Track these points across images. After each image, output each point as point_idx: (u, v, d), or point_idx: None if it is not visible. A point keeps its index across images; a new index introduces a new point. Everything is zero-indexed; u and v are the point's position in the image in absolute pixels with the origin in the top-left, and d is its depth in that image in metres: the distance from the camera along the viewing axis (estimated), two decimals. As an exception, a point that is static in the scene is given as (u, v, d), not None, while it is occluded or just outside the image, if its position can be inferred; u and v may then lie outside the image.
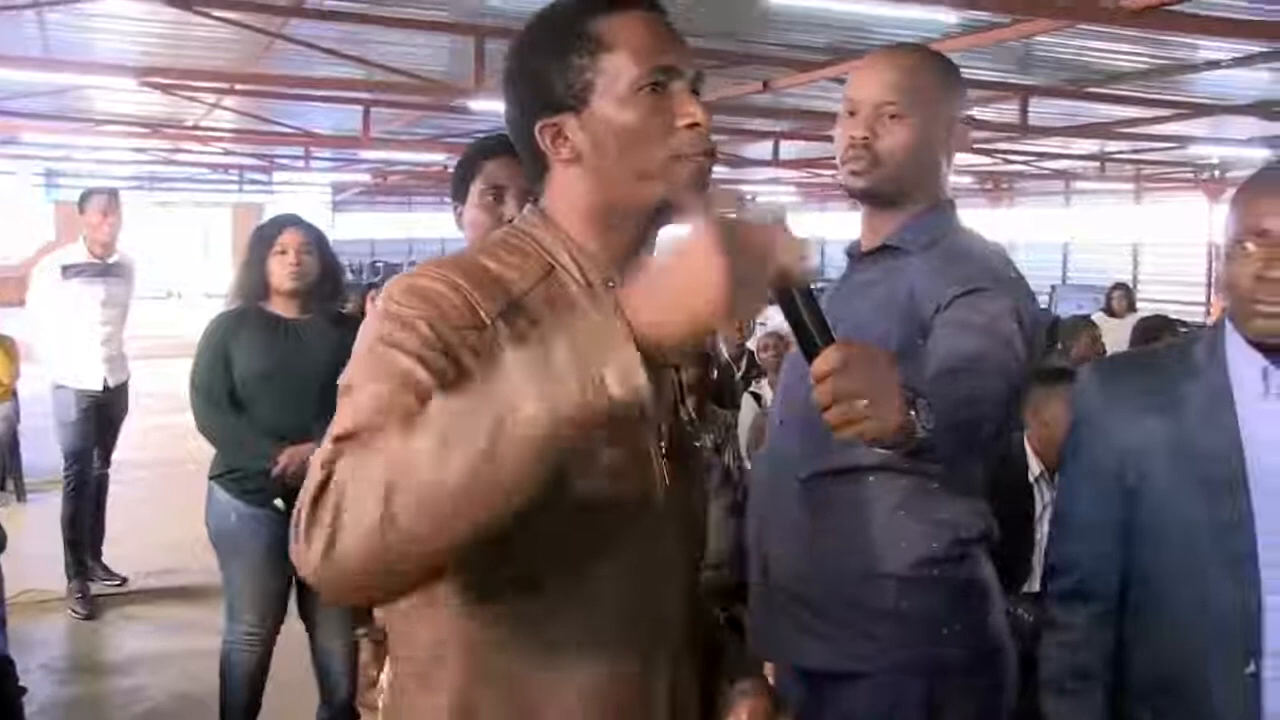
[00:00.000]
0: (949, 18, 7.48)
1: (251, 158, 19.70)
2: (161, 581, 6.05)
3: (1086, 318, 8.54)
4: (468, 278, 1.27)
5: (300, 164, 19.09)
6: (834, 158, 1.99)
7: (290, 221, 3.64)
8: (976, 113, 12.90)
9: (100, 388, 5.71)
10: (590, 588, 1.30)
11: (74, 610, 5.55)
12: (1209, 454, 1.75)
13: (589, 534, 1.28)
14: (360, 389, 1.18)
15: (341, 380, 1.23)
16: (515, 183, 2.36)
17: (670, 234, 1.27)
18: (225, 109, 14.25)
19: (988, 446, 1.75)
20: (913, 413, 1.40)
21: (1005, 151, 15.56)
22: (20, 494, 7.74)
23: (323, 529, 1.05)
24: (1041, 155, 16.28)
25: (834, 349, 1.28)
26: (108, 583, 5.88)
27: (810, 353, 1.29)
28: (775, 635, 2.00)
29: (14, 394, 7.69)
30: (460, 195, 2.46)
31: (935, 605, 1.92)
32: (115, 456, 6.16)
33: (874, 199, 2.01)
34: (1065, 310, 12.86)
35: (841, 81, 10.10)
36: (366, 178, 22.53)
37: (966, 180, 20.91)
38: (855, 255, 2.08)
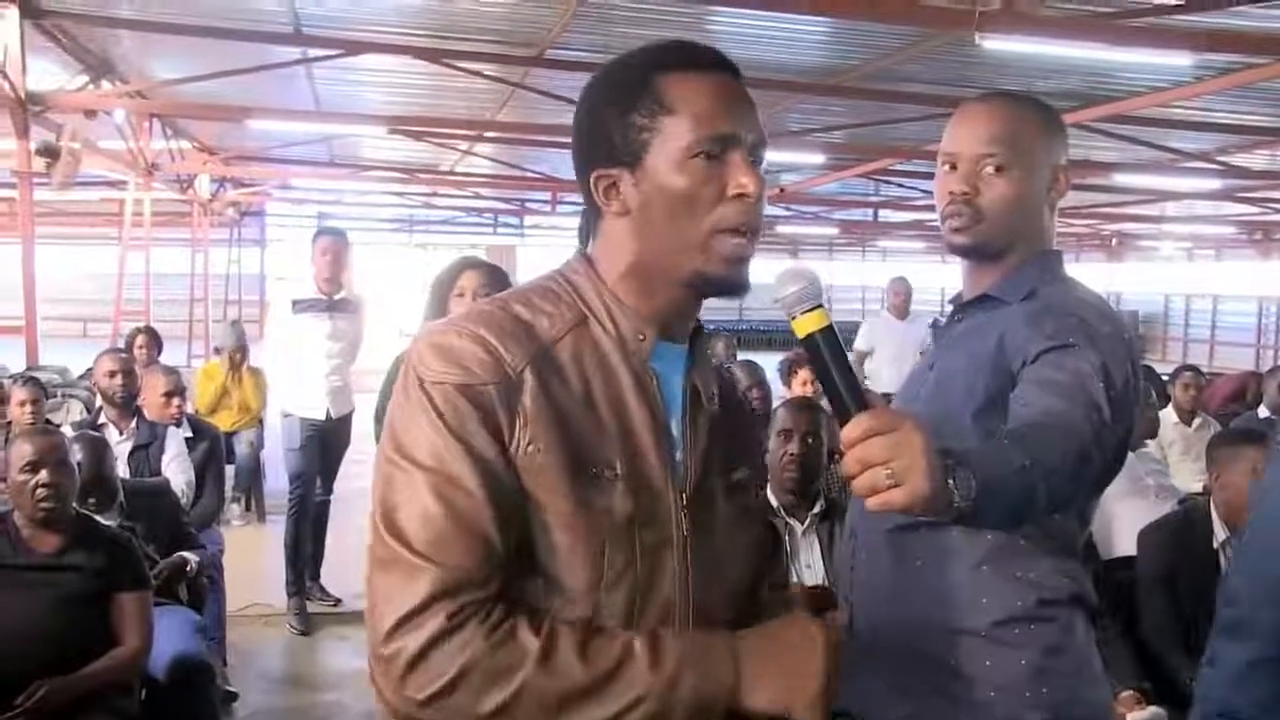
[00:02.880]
0: (1188, 61, 7.08)
1: (503, 202, 20.59)
2: (372, 605, 6.33)
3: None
4: (495, 329, 1.30)
5: (547, 208, 19.77)
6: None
7: (470, 264, 3.66)
8: (1239, 160, 12.20)
9: (323, 418, 6.02)
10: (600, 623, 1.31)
11: (291, 625, 5.89)
12: None
13: (597, 575, 1.30)
14: (416, 487, 1.25)
15: (385, 445, 1.29)
16: None
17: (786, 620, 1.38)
18: (477, 155, 14.95)
19: (1044, 515, 1.65)
20: (950, 481, 1.33)
21: (1274, 201, 14.58)
22: (261, 515, 8.28)
23: (434, 680, 1.20)
24: (1318, 205, 15.20)
25: (862, 416, 1.25)
26: (324, 602, 6.19)
27: (842, 419, 1.28)
28: (861, 688, 1.95)
29: (260, 422, 8.25)
30: (585, 239, 2.51)
31: (1019, 667, 1.83)
32: (343, 485, 6.50)
33: (977, 254, 1.95)
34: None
35: (1084, 128, 9.81)
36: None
37: (1231, 230, 19.73)
38: (957, 305, 2.02)
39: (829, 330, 1.30)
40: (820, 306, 1.31)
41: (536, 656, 1.21)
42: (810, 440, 3.56)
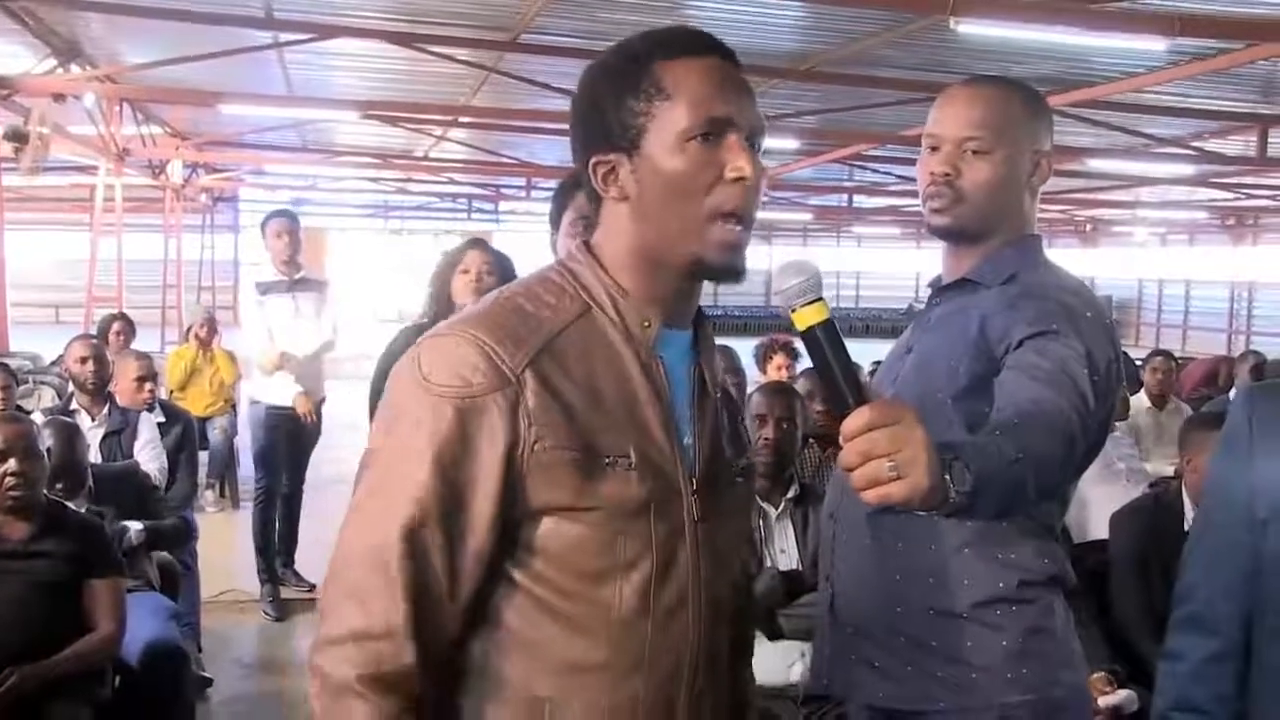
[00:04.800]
0: (1161, 46, 7.11)
1: (477, 187, 20.51)
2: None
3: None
4: (494, 329, 1.29)
5: (522, 194, 19.70)
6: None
7: (475, 244, 3.74)
8: (1211, 145, 12.25)
9: (290, 404, 5.89)
10: (610, 615, 1.31)
11: (266, 612, 5.86)
12: None
13: (611, 563, 1.31)
14: (365, 517, 1.30)
15: (368, 448, 1.32)
16: None
17: None
18: (451, 141, 14.87)
19: (1033, 504, 1.65)
20: (947, 475, 1.33)
21: (1247, 186, 14.66)
22: (235, 502, 8.24)
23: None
24: (1290, 190, 15.31)
25: (863, 409, 1.24)
26: (298, 588, 6.15)
27: (841, 412, 1.26)
28: (843, 670, 1.95)
29: (233, 408, 8.20)
30: (556, 223, 2.51)
31: (1000, 648, 1.84)
32: (317, 473, 6.42)
33: (956, 236, 1.95)
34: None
35: (1059, 114, 9.85)
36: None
37: (1204, 216, 19.84)
38: (936, 289, 2.02)
39: (829, 323, 1.29)
40: (821, 299, 1.29)
41: None
42: (785, 425, 3.57)
